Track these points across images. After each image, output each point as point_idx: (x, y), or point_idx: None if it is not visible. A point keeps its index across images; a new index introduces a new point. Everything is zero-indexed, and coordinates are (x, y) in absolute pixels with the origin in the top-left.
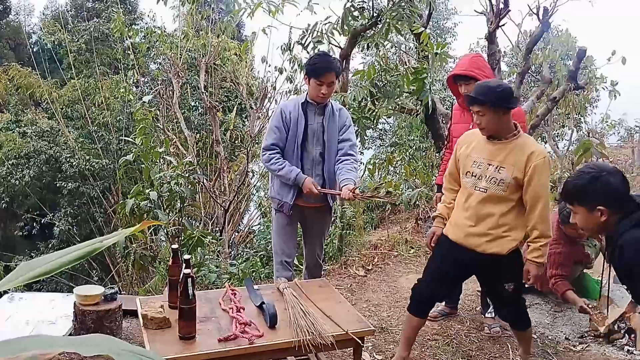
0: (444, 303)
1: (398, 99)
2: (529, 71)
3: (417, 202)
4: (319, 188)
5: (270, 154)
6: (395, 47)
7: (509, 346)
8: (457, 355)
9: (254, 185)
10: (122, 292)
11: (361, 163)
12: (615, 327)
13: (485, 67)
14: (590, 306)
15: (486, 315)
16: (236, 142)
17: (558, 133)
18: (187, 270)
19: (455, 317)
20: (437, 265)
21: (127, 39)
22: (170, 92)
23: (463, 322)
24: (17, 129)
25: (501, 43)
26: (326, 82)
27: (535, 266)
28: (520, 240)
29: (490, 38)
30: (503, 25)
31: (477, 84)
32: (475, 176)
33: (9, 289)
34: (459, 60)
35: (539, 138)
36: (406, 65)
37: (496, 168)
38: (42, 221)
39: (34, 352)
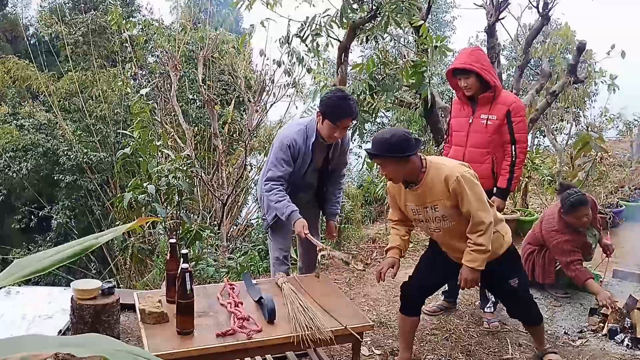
0: (442, 298)
1: (397, 93)
2: (529, 65)
3: None
4: (307, 233)
5: (273, 184)
6: (395, 40)
7: (508, 341)
8: (456, 350)
9: (252, 179)
10: (120, 286)
11: (359, 157)
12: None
13: (484, 60)
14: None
15: (485, 309)
16: (234, 135)
17: (557, 127)
18: (185, 265)
19: (454, 311)
20: (430, 264)
21: (124, 32)
22: (168, 85)
23: (462, 316)
24: (15, 121)
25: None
26: (342, 126)
27: (468, 270)
28: (508, 232)
29: (490, 31)
30: (502, 18)
31: (373, 139)
32: (422, 221)
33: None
34: (458, 53)
35: (538, 132)
36: (405, 58)
37: (432, 208)
38: (40, 214)
39: (26, 353)
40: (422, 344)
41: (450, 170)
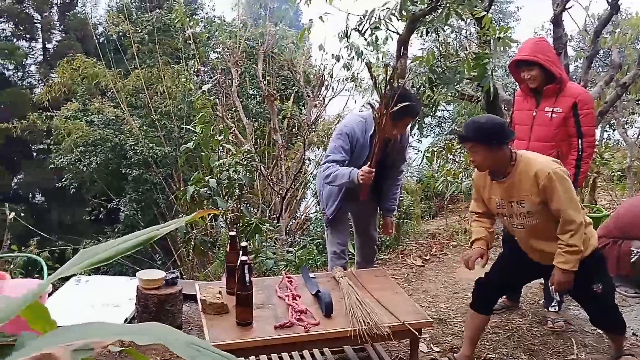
0: (505, 296)
1: (458, 86)
2: (597, 56)
3: None
4: (370, 170)
5: (330, 164)
6: (456, 32)
7: (574, 341)
8: (519, 350)
9: (311, 173)
10: (184, 277)
11: (419, 151)
12: None
13: (549, 51)
14: None
15: (549, 308)
16: (293, 130)
17: (627, 120)
18: (244, 257)
19: (517, 310)
20: (508, 263)
21: (187, 29)
22: (229, 81)
23: (525, 315)
24: (85, 117)
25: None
26: (402, 124)
27: (561, 272)
28: (594, 235)
29: (556, 21)
30: (570, 7)
31: (466, 122)
32: (506, 216)
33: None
34: (522, 45)
35: (607, 125)
36: (467, 50)
37: (518, 203)
38: (109, 206)
39: (89, 340)
40: (483, 342)
41: (542, 165)
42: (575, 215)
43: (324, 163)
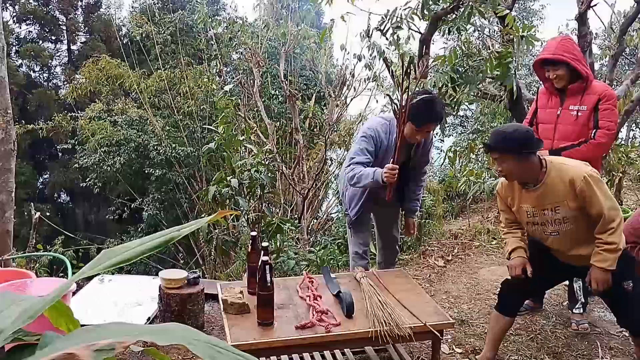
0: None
1: (480, 85)
2: (623, 53)
3: None
4: (394, 169)
5: (354, 166)
6: (478, 31)
7: (599, 344)
8: (542, 352)
9: (332, 173)
10: (206, 276)
11: (441, 151)
12: None
13: (575, 50)
14: None
15: (574, 310)
16: (315, 130)
17: None
18: (265, 258)
19: (540, 312)
20: (536, 265)
21: (210, 30)
22: (251, 81)
23: (548, 317)
24: (109, 117)
25: (593, 24)
26: (425, 130)
27: (599, 271)
28: (623, 237)
29: (581, 19)
30: (595, 5)
31: (492, 131)
32: (538, 224)
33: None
34: (547, 43)
35: (634, 124)
36: (489, 49)
37: (552, 210)
38: (132, 206)
39: (111, 340)
40: (505, 344)
41: (575, 170)
42: (615, 214)
43: (348, 165)
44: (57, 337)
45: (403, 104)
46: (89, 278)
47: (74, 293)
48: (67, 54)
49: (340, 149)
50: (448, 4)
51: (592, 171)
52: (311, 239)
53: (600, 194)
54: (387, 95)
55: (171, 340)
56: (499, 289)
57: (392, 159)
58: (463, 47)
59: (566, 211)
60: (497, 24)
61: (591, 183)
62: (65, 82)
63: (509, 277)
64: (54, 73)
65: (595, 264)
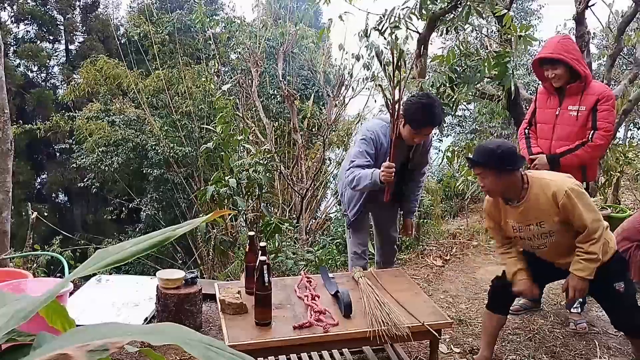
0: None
1: (479, 85)
2: (621, 53)
3: None
4: (391, 166)
5: (354, 170)
6: (476, 30)
7: (597, 343)
8: (540, 351)
9: (331, 173)
10: (204, 276)
11: (439, 150)
12: None
13: (574, 50)
14: None
15: (572, 310)
16: (313, 129)
17: None
18: (263, 257)
19: (538, 311)
20: (528, 263)
21: (208, 30)
22: (250, 81)
23: (546, 316)
24: (107, 117)
25: (590, 24)
26: (423, 133)
27: (577, 279)
28: (612, 239)
29: (579, 19)
30: (592, 5)
31: (476, 146)
32: (524, 239)
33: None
34: (546, 42)
35: (631, 123)
36: (487, 49)
37: (537, 225)
38: (130, 206)
39: (105, 341)
40: (503, 344)
41: (557, 185)
42: (598, 226)
43: (349, 169)
44: (51, 338)
45: (396, 99)
46: (87, 278)
47: (71, 293)
48: (65, 54)
49: (339, 148)
50: (446, 3)
51: (574, 184)
52: (309, 239)
53: (582, 207)
54: (379, 85)
55: (166, 340)
56: (489, 287)
57: (388, 157)
58: (461, 47)
59: (551, 225)
60: (495, 23)
61: (573, 197)
62: (63, 82)
63: (499, 275)
64: (52, 73)
65: (574, 272)
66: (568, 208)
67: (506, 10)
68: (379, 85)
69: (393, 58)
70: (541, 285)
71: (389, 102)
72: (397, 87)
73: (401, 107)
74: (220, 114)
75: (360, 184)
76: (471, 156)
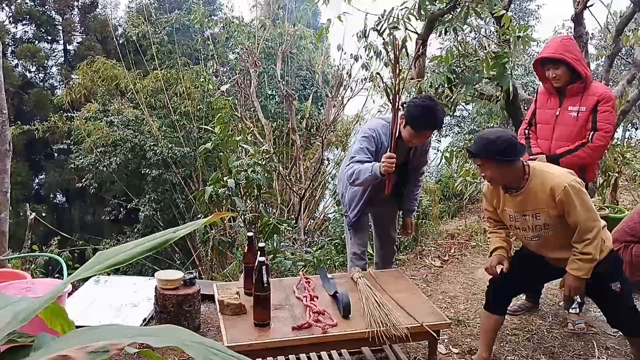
0: (524, 297)
1: (477, 85)
2: (619, 54)
3: None
4: (392, 159)
5: (353, 165)
6: (475, 31)
7: (595, 344)
8: (538, 352)
9: (329, 173)
10: (202, 277)
11: (438, 151)
12: None
13: (576, 50)
14: None
15: (570, 310)
16: (312, 130)
17: None
18: (262, 258)
19: (537, 311)
20: (524, 263)
21: (206, 30)
22: (248, 81)
23: (545, 317)
24: (105, 118)
25: (589, 25)
26: (423, 135)
27: (573, 278)
28: (609, 238)
29: (577, 19)
30: (591, 5)
31: (476, 137)
32: (519, 229)
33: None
34: (548, 42)
35: (630, 124)
36: (486, 50)
37: (533, 216)
38: (128, 206)
39: (105, 343)
40: (502, 344)
41: (557, 179)
42: (592, 226)
43: (348, 164)
44: (51, 339)
45: (397, 90)
46: (85, 279)
47: (69, 294)
48: (63, 54)
49: (337, 149)
50: (445, 4)
51: (574, 181)
52: (308, 240)
53: (579, 205)
54: (377, 74)
55: (165, 342)
56: (486, 288)
57: (388, 149)
58: (459, 48)
59: (547, 218)
60: (494, 24)
61: (571, 193)
62: (61, 83)
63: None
64: (50, 73)
65: (570, 271)
66: (565, 203)
67: (505, 11)
68: (378, 74)
69: (395, 49)
70: (540, 286)
71: (389, 92)
72: (399, 78)
73: (403, 107)
74: (219, 114)
75: (360, 178)
76: (471, 147)
